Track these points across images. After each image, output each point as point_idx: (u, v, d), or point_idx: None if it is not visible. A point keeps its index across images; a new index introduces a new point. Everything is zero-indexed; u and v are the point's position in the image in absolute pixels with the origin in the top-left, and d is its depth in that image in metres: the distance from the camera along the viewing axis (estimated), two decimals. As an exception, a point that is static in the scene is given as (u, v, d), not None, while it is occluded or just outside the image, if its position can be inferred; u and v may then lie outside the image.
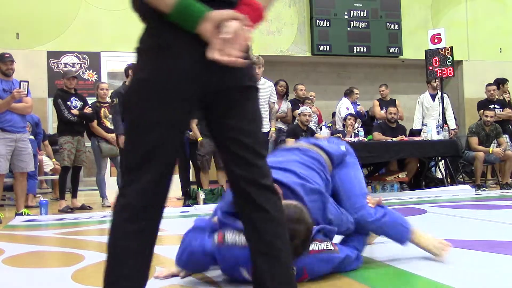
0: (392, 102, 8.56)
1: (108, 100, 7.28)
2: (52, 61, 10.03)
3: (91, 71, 10.25)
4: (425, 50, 8.20)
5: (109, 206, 6.59)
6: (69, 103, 6.33)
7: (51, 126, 9.55)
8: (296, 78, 10.80)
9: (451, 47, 7.95)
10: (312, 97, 8.91)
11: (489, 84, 8.62)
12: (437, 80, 8.32)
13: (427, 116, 8.39)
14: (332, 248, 2.29)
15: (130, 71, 6.23)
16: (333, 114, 9.36)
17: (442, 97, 8.13)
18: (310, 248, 2.21)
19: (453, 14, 12.50)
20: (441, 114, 8.14)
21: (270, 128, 6.87)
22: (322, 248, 2.25)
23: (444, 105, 8.24)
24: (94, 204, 6.89)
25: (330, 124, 8.93)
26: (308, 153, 2.58)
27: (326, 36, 11.36)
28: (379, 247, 2.99)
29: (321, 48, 11.32)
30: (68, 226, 4.78)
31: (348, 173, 2.62)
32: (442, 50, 7.90)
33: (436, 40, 8.01)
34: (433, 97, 8.47)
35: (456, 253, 2.80)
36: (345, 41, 11.45)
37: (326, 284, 2.24)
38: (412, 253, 2.70)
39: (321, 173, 2.48)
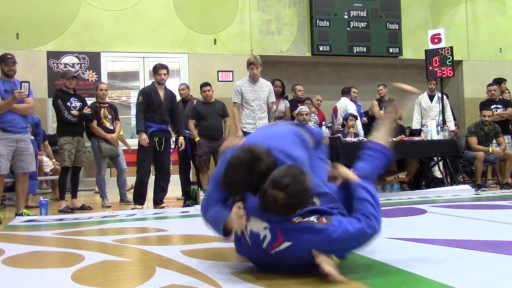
0: (391, 102, 8.54)
1: (108, 100, 7.30)
2: (52, 62, 10.03)
3: (91, 71, 10.24)
4: (425, 50, 8.21)
5: (109, 207, 6.60)
6: (68, 103, 6.33)
7: (51, 126, 9.55)
8: (296, 78, 10.81)
9: (451, 47, 7.96)
10: (319, 101, 8.93)
11: (490, 84, 8.63)
12: (434, 81, 8.34)
13: (425, 116, 8.40)
14: (316, 221, 2.26)
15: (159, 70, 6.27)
16: (332, 115, 9.35)
17: (442, 97, 8.14)
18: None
19: (453, 14, 12.50)
20: (440, 114, 8.15)
21: None
22: (301, 220, 2.27)
23: (444, 106, 8.25)
24: (94, 205, 6.89)
25: (330, 124, 8.93)
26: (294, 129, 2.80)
27: (326, 36, 11.37)
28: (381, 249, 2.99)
29: (321, 48, 11.32)
30: (68, 227, 4.77)
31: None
32: (442, 50, 7.91)
33: (436, 40, 8.01)
34: (431, 97, 8.49)
35: (457, 253, 2.81)
36: (345, 41, 11.46)
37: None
38: (413, 254, 2.71)
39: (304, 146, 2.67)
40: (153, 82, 6.47)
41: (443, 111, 8.09)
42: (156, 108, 6.24)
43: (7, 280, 2.60)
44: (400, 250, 3.00)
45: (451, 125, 8.39)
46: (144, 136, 6.11)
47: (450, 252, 2.86)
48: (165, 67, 6.38)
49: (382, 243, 3.17)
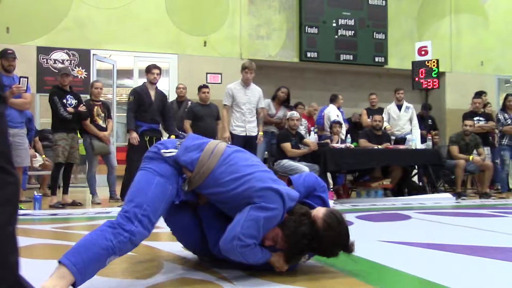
0: (380, 111, 8.82)
1: (101, 98, 7.37)
2: (41, 57, 10.03)
3: (80, 68, 10.27)
4: (412, 62, 8.49)
5: (99, 203, 6.68)
6: (64, 100, 6.41)
7: (39, 121, 9.55)
8: (283, 83, 10.94)
9: (437, 60, 8.25)
10: (313, 109, 9.15)
11: (475, 97, 8.94)
12: (402, 91, 8.65)
13: (394, 125, 8.70)
14: None
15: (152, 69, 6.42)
16: (318, 121, 9.55)
17: (427, 107, 8.41)
18: None
19: (438, 27, 12.85)
20: (408, 123, 8.50)
21: (258, 133, 7.04)
22: None
23: (410, 116, 8.60)
24: (84, 201, 6.95)
25: (316, 130, 9.11)
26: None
27: (314, 43, 11.59)
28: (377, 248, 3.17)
29: (308, 55, 11.53)
30: (64, 221, 4.87)
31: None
32: (428, 62, 8.18)
33: (423, 52, 8.29)
34: (399, 107, 8.80)
35: (445, 256, 3.01)
36: (332, 48, 11.70)
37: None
38: (403, 255, 2.88)
39: None
40: (145, 82, 6.60)
41: (433, 122, 8.31)
42: (147, 107, 6.37)
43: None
44: (392, 251, 3.19)
45: (416, 133, 8.69)
46: (135, 134, 6.23)
47: (437, 255, 3.06)
48: (158, 68, 6.56)
49: (374, 246, 3.37)
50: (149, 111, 6.39)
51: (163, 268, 2.73)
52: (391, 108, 8.87)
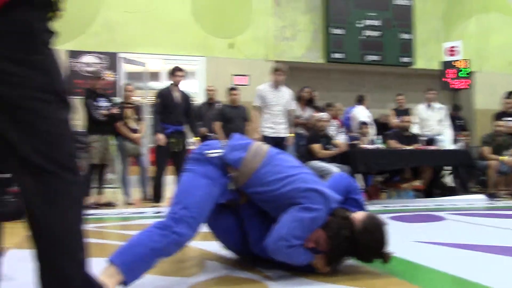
0: (407, 112, 8.76)
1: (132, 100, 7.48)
2: (71, 61, 10.22)
3: (110, 71, 10.42)
4: (441, 62, 8.41)
5: (132, 204, 6.79)
6: (97, 103, 6.54)
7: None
8: (309, 84, 10.94)
9: (468, 60, 8.14)
10: (338, 109, 9.14)
11: (506, 97, 8.81)
12: (433, 91, 8.55)
13: (423, 126, 8.61)
14: None
15: (176, 72, 6.50)
16: (345, 122, 9.53)
17: (457, 108, 8.33)
18: None
19: (465, 26, 12.68)
20: (438, 124, 8.37)
21: (288, 134, 7.08)
22: None
23: (443, 116, 8.49)
24: (117, 201, 7.06)
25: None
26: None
27: (340, 44, 11.57)
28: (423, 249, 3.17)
29: (335, 56, 11.52)
30: (97, 221, 4.96)
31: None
32: (457, 62, 8.10)
33: (452, 52, 8.21)
34: (429, 107, 8.70)
35: (482, 257, 3.00)
36: (358, 49, 11.66)
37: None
38: (441, 255, 2.88)
39: None
40: (170, 84, 6.69)
41: (463, 122, 8.23)
42: (172, 109, 6.46)
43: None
44: (429, 251, 3.19)
45: (448, 133, 8.60)
46: (161, 136, 6.34)
47: (474, 255, 3.05)
48: (182, 70, 6.71)
49: (410, 246, 3.37)
50: (174, 113, 6.49)
51: (206, 266, 2.78)
52: (421, 108, 8.79)
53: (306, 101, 7.88)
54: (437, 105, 8.67)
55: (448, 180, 7.94)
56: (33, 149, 1.36)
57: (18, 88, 1.34)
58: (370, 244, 2.45)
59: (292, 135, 7.16)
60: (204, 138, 7.05)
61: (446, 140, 7.62)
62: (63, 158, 1.42)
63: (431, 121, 8.60)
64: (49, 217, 1.39)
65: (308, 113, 7.84)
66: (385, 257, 2.48)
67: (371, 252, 2.48)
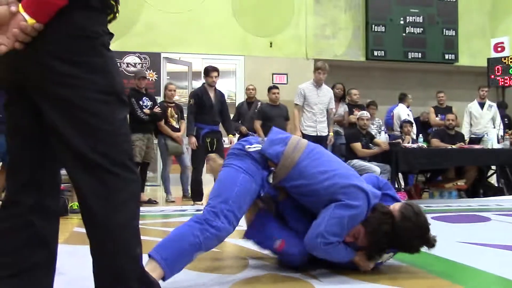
0: (449, 109, 8.57)
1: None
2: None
3: (151, 71, 10.62)
4: (488, 59, 8.21)
5: (173, 201, 6.91)
6: (141, 102, 6.68)
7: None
8: (349, 82, 10.84)
9: (517, 56, 7.90)
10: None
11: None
12: (486, 88, 8.30)
13: (476, 124, 8.38)
14: None
15: (210, 72, 6.53)
16: (387, 121, 9.41)
17: (503, 105, 8.09)
18: None
19: (511, 22, 12.29)
20: (490, 121, 8.12)
21: (329, 133, 7.05)
22: None
23: (494, 115, 8.23)
24: (158, 199, 7.20)
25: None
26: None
27: (381, 41, 11.40)
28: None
29: (375, 53, 11.37)
30: (140, 218, 5.06)
31: None
32: (505, 59, 7.86)
33: (499, 49, 7.99)
34: (481, 105, 8.46)
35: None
36: (400, 46, 11.47)
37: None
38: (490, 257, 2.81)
39: None
40: (204, 83, 6.73)
41: (510, 120, 8.01)
42: (208, 109, 6.49)
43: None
44: (473, 252, 3.12)
45: (500, 132, 8.34)
46: (194, 139, 6.36)
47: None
48: (217, 70, 6.65)
49: (454, 246, 3.31)
50: (210, 113, 6.51)
51: (248, 264, 2.81)
52: (473, 106, 8.55)
53: (339, 98, 7.83)
54: (489, 102, 8.42)
55: (492, 180, 7.73)
56: (95, 149, 1.40)
57: (80, 90, 1.38)
58: (412, 230, 2.41)
59: (331, 134, 7.12)
60: (244, 137, 7.07)
61: (492, 139, 7.40)
62: (123, 157, 1.45)
63: (484, 119, 8.36)
64: (107, 213, 1.43)
65: (341, 109, 7.80)
66: (430, 242, 2.44)
67: (415, 239, 2.44)
